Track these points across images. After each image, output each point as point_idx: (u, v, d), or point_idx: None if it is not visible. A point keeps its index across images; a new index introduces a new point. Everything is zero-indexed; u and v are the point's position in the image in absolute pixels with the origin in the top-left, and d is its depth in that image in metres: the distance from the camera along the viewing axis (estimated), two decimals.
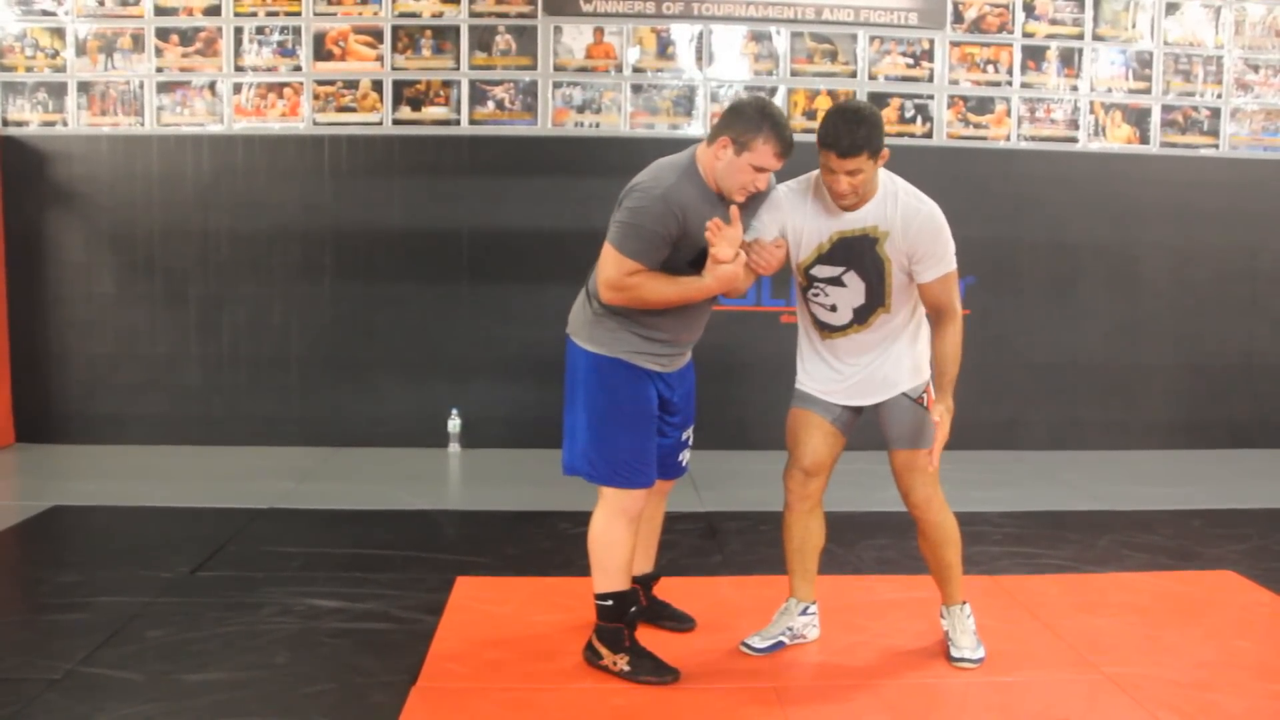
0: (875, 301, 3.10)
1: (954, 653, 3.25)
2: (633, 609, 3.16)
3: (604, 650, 3.13)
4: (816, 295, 3.16)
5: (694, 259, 2.99)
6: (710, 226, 2.87)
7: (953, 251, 3.05)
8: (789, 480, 3.30)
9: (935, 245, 3.01)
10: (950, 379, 3.04)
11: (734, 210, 2.93)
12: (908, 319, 3.16)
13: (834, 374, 3.21)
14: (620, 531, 3.09)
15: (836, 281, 3.10)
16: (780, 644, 3.33)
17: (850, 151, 2.87)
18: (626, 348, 3.07)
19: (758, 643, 3.32)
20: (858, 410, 3.24)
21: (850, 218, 3.03)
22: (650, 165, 3.04)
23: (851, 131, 2.85)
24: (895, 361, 3.17)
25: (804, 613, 3.38)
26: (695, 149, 3.03)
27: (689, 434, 3.36)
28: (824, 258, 3.09)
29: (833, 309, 3.15)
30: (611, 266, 2.96)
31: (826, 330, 3.20)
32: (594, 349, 3.09)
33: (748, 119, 2.90)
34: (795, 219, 3.08)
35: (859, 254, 3.05)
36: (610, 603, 3.11)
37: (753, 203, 3.08)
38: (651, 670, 3.09)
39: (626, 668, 3.09)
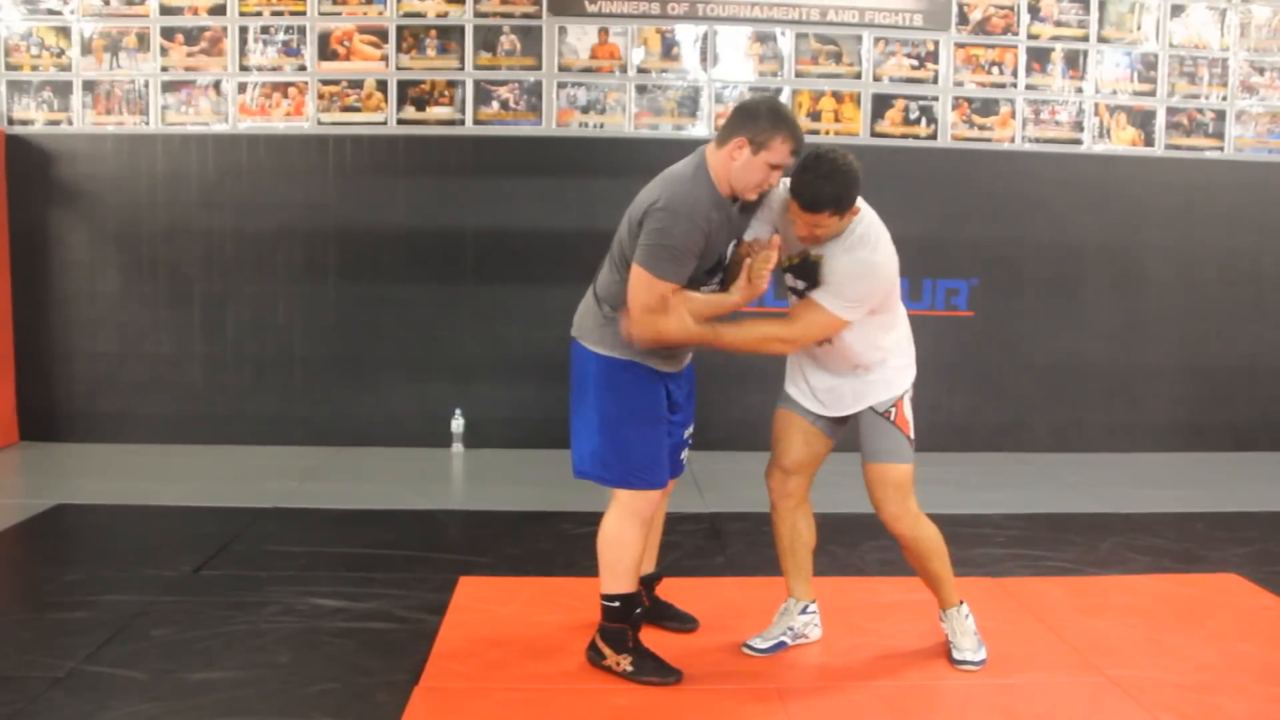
0: None
1: (956, 655, 3.25)
2: (637, 610, 3.17)
3: (608, 651, 3.13)
4: (786, 302, 3.21)
5: (712, 267, 3.03)
6: (751, 246, 2.95)
7: (853, 307, 2.97)
8: (770, 479, 3.33)
9: (846, 281, 2.96)
10: (719, 332, 2.98)
11: (775, 239, 2.98)
12: (865, 347, 3.13)
13: (804, 383, 3.25)
14: (632, 534, 3.10)
15: (798, 294, 3.13)
16: (782, 644, 3.34)
17: (812, 207, 2.89)
18: (639, 350, 3.07)
19: (759, 644, 3.33)
20: (839, 418, 3.26)
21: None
22: (660, 179, 3.02)
23: (818, 187, 2.86)
24: (861, 378, 3.17)
25: (804, 612, 3.39)
26: (702, 154, 3.02)
27: (689, 433, 3.37)
28: (792, 269, 3.13)
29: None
30: (645, 291, 2.92)
31: None
32: (605, 352, 3.09)
33: (763, 118, 2.91)
34: (783, 222, 3.10)
35: (813, 278, 3.07)
36: (617, 604, 3.12)
37: (754, 203, 3.09)
38: (654, 671, 3.09)
39: (630, 668, 3.10)
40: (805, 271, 3.09)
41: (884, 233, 3.06)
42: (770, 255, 2.96)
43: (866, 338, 3.10)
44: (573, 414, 3.18)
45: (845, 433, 3.30)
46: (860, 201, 3.00)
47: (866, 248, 2.99)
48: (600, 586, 3.15)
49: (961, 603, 3.31)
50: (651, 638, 3.25)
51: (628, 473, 3.08)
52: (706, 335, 2.98)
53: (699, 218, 2.91)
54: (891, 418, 3.16)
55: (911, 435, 3.19)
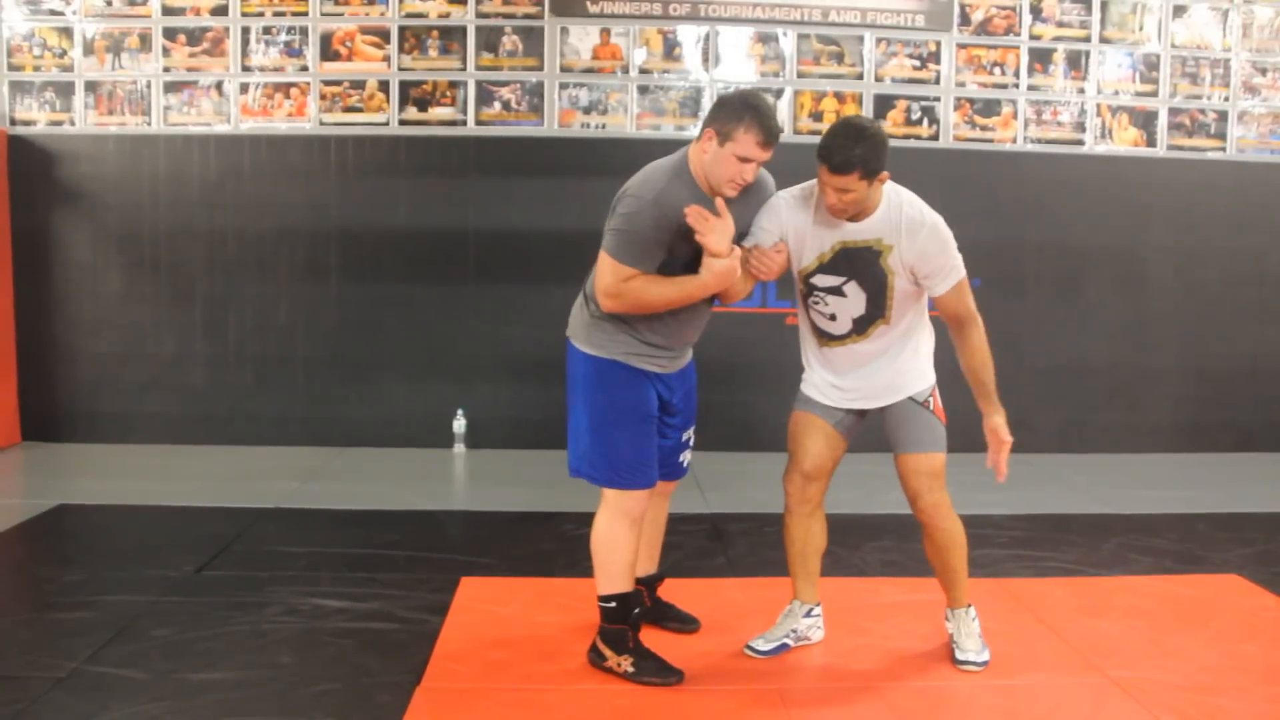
0: (875, 313, 3.10)
1: (959, 655, 3.24)
2: (636, 610, 3.17)
3: (608, 652, 3.13)
4: (816, 303, 3.16)
5: (689, 261, 2.99)
6: (689, 213, 2.85)
7: (960, 260, 3.05)
8: (788, 484, 3.30)
9: (943, 257, 3.01)
10: (991, 387, 3.09)
11: (720, 202, 2.92)
12: (908, 329, 3.16)
13: (836, 380, 3.22)
14: (623, 534, 3.09)
15: (837, 291, 3.10)
16: (784, 646, 3.33)
17: (841, 169, 2.86)
18: (624, 350, 3.07)
19: (761, 645, 3.32)
20: (861, 414, 3.25)
21: (853, 229, 3.02)
22: (642, 169, 3.04)
23: (847, 149, 2.85)
24: (899, 368, 3.17)
25: (808, 614, 3.38)
26: (686, 149, 3.02)
27: (690, 435, 3.36)
28: (825, 267, 3.09)
29: (832, 318, 3.15)
30: (608, 274, 2.95)
31: (825, 339, 3.20)
32: (592, 351, 3.09)
33: (730, 109, 2.90)
34: (795, 225, 3.08)
35: (862, 266, 3.05)
36: (614, 604, 3.11)
37: (750, 203, 3.08)
38: (655, 671, 3.09)
39: (630, 669, 3.09)
40: (844, 263, 3.05)
41: (916, 198, 3.07)
42: (722, 225, 2.89)
43: (910, 310, 3.12)
44: (568, 413, 3.19)
45: (863, 431, 3.29)
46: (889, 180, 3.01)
47: (924, 215, 3.01)
48: (596, 588, 3.15)
49: (970, 605, 3.31)
50: (653, 638, 3.25)
51: (614, 472, 3.08)
52: None
53: (667, 208, 2.89)
54: (930, 406, 3.17)
55: (945, 422, 3.20)
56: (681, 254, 2.98)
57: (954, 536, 3.23)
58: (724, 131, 2.88)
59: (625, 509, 3.09)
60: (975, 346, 3.08)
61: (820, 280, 3.11)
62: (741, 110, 2.88)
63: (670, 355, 3.15)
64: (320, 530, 4.67)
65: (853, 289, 3.08)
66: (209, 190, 6.27)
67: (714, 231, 2.88)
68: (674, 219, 2.90)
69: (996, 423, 3.07)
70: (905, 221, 2.99)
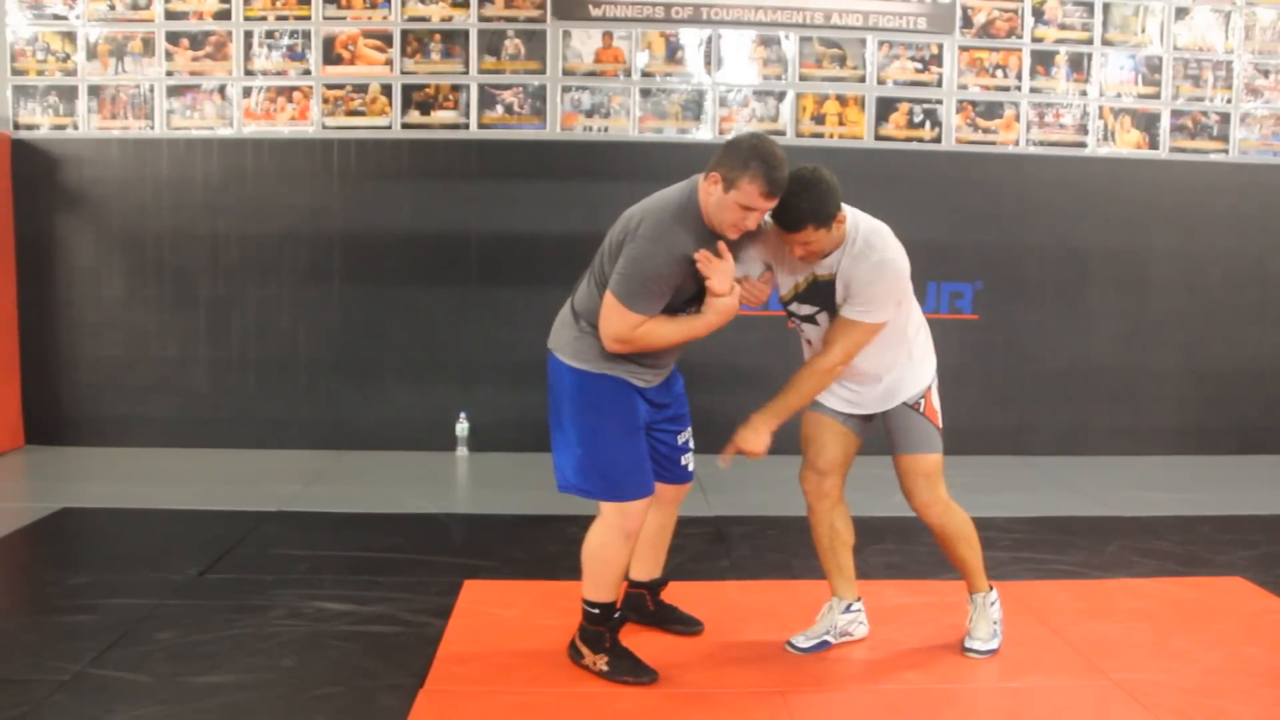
0: None
1: (966, 641, 3.30)
2: (617, 615, 3.17)
3: (585, 650, 3.16)
4: (795, 327, 3.24)
5: (692, 297, 3.00)
6: (699, 258, 2.87)
7: (885, 311, 3.02)
8: (804, 483, 3.33)
9: (866, 289, 3.00)
10: (784, 403, 3.07)
11: (722, 246, 2.92)
12: (900, 334, 3.17)
13: (835, 388, 3.24)
14: (616, 549, 3.09)
15: (811, 320, 3.16)
16: (825, 644, 3.36)
17: (793, 226, 2.90)
18: (612, 363, 3.05)
19: (801, 642, 3.35)
20: (867, 415, 3.27)
21: (824, 261, 3.05)
22: (649, 202, 3.00)
23: (794, 206, 2.86)
24: (896, 375, 3.19)
25: (847, 610, 3.40)
26: (695, 182, 2.97)
27: (688, 437, 3.35)
28: (800, 296, 3.14)
29: (809, 343, 3.23)
30: (617, 322, 2.93)
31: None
32: (579, 365, 3.08)
33: (738, 156, 2.83)
34: (777, 255, 3.12)
35: (828, 297, 3.08)
36: (596, 611, 3.13)
37: (747, 235, 3.07)
38: (629, 670, 3.10)
39: (605, 668, 3.12)
40: (815, 294, 3.10)
41: (883, 229, 3.07)
42: (726, 267, 2.91)
43: (880, 352, 3.13)
44: (552, 428, 3.17)
45: (872, 430, 3.30)
46: (849, 209, 3.01)
47: (875, 250, 3.00)
48: (582, 590, 3.16)
49: (991, 589, 3.35)
50: (657, 640, 3.27)
51: (610, 487, 3.08)
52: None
53: (677, 254, 2.88)
54: (921, 409, 3.20)
55: (940, 424, 3.24)
56: (685, 293, 2.98)
57: (954, 530, 3.28)
58: (729, 178, 2.84)
59: (622, 524, 3.08)
60: (816, 369, 3.07)
61: (796, 308, 3.17)
62: (749, 159, 2.81)
63: (655, 371, 3.14)
64: (323, 533, 4.67)
65: (824, 318, 3.13)
66: (212, 194, 6.28)
67: (718, 273, 2.90)
68: (682, 259, 2.89)
69: (750, 422, 3.05)
70: (853, 254, 3.00)
